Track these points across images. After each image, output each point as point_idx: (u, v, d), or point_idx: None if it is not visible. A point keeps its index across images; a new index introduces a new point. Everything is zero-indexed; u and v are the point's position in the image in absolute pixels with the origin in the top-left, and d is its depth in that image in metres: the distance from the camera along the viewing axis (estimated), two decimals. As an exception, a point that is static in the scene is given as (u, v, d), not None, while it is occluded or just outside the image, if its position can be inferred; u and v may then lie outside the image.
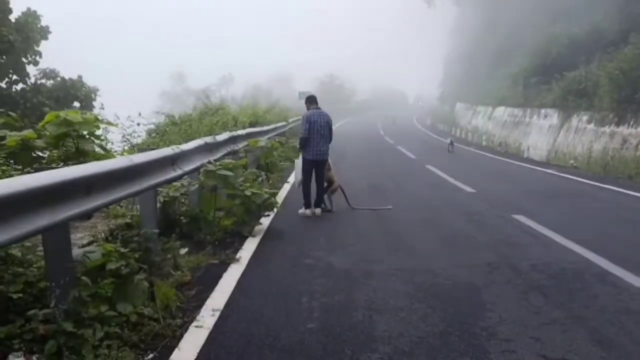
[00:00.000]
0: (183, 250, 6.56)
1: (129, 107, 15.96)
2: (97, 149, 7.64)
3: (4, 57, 17.80)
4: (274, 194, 7.90)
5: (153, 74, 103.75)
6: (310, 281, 5.33)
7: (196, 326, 4.17)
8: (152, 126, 16.39)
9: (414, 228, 7.98)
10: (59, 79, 19.21)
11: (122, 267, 4.09)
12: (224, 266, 5.81)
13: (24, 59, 18.24)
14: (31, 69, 20.27)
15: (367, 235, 7.37)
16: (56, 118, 7.14)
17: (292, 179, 13.21)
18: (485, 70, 43.88)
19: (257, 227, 7.37)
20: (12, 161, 7.30)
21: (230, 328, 4.15)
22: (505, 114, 32.24)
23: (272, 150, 10.96)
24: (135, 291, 4.11)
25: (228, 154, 9.24)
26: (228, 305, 4.64)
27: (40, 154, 7.38)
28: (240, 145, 10.39)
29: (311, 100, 9.05)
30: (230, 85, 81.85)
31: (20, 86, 18.51)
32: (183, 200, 7.78)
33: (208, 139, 7.53)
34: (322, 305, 4.66)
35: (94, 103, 22.70)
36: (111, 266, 4.04)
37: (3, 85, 18.35)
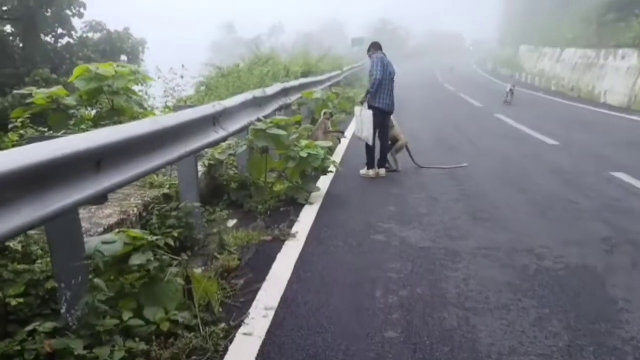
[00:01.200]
0: (231, 223, 5.71)
1: (179, 59, 15.17)
2: (136, 107, 6.82)
3: (49, 10, 17.17)
4: (332, 151, 6.85)
5: (204, 25, 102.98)
6: (383, 265, 4.34)
7: (245, 334, 3.27)
8: (202, 79, 15.57)
9: (498, 191, 6.82)
10: (105, 32, 18.50)
11: (151, 261, 3.20)
12: (277, 244, 4.89)
13: (68, 11, 17.58)
14: (78, 23, 19.73)
15: (444, 202, 6.29)
16: (86, 72, 6.29)
17: (350, 133, 12.16)
18: (551, 9, 40.64)
19: (314, 193, 6.41)
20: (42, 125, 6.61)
21: (287, 337, 3.23)
22: (576, 55, 29.63)
23: (328, 102, 9.85)
24: (168, 291, 3.23)
25: (280, 108, 8.23)
26: (284, 301, 3.72)
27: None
28: (293, 98, 9.34)
29: (376, 47, 7.87)
30: (280, 35, 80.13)
31: (66, 40, 17.95)
32: (231, 162, 6.89)
33: (257, 93, 6.52)
34: (402, 302, 3.68)
35: (142, 56, 22.12)
36: (136, 260, 3.16)
37: (49, 40, 17.83)
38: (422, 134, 11.92)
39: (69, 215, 2.83)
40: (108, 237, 3.21)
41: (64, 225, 2.88)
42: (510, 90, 19.34)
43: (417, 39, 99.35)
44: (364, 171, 7.76)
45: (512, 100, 19.05)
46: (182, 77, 9.88)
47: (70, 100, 6.27)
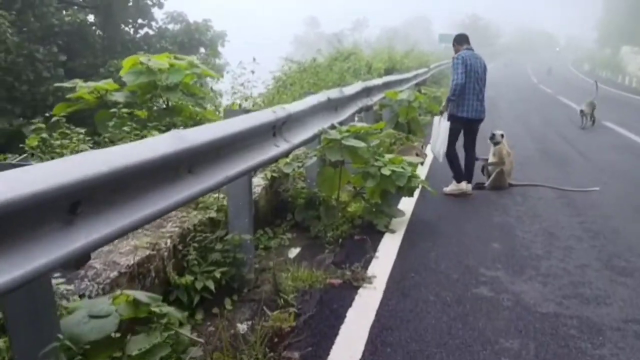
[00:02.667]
0: (293, 252, 4.65)
1: (260, 53, 14.36)
2: (193, 105, 5.91)
3: (133, 1, 16.88)
4: (418, 165, 5.62)
5: (287, 19, 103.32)
6: (493, 341, 3.11)
7: None
8: (278, 74, 14.68)
9: (637, 228, 5.35)
10: (184, 23, 18.06)
11: (159, 346, 2.17)
12: (348, 292, 3.77)
13: (148, 1, 17.23)
14: (159, 14, 19.45)
15: (563, 239, 4.92)
16: (136, 64, 5.44)
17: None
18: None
19: (395, 219, 5.24)
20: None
21: None
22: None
23: (414, 104, 8.60)
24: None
25: (359, 110, 7.09)
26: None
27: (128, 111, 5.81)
28: (376, 98, 8.15)
29: (462, 40, 6.49)
30: (364, 30, 78.75)
31: (145, 31, 17.63)
32: (299, 174, 5.83)
33: (332, 94, 5.39)
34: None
35: (221, 49, 21.62)
36: (136, 346, 2.13)
37: (129, 30, 17.58)
38: (522, 142, 10.39)
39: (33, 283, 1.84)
40: (100, 306, 2.20)
41: (26, 299, 1.90)
42: (582, 111, 12.95)
43: (507, 36, 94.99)
44: (449, 188, 6.50)
45: (589, 124, 12.93)
46: (252, 72, 8.92)
47: (119, 96, 5.43)
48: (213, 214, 4.01)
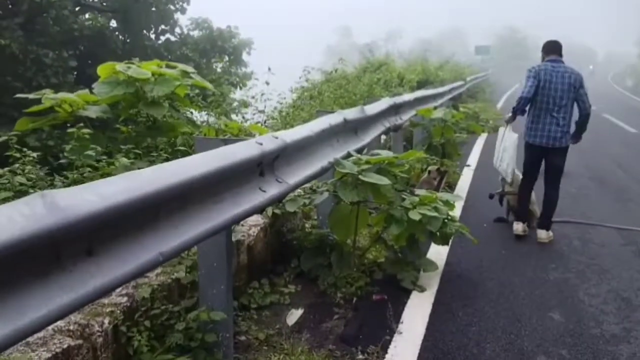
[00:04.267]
0: (293, 317, 3.65)
1: (291, 62, 13.49)
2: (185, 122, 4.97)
3: (153, 4, 16.18)
4: (454, 200, 4.52)
5: (322, 28, 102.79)
6: None
7: None
8: (305, 84, 13.69)
9: None
10: (205, 30, 17.32)
11: None
12: (358, 393, 2.75)
13: (171, 6, 16.51)
14: (183, 20, 18.79)
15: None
16: (113, 72, 4.53)
17: (473, 160, 9.70)
18: None
19: (426, 273, 4.18)
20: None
21: None
22: None
23: (451, 123, 7.51)
24: None
25: (387, 131, 6.05)
26: None
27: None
28: (406, 116, 7.10)
29: (547, 49, 5.37)
30: (397, 41, 77.56)
31: (167, 37, 16.93)
32: (308, 210, 4.83)
33: (350, 113, 4.34)
34: None
35: (248, 57, 20.87)
36: None
37: (151, 36, 16.90)
38: (571, 168, 9.18)
39: None
40: None
41: None
42: None
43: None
44: (515, 225, 5.41)
45: None
46: (267, 83, 7.98)
47: (92, 111, 4.51)
48: (181, 274, 3.02)
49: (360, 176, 3.65)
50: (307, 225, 4.78)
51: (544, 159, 5.36)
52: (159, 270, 3.00)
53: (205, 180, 2.20)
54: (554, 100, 5.12)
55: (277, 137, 2.78)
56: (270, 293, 3.87)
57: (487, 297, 3.94)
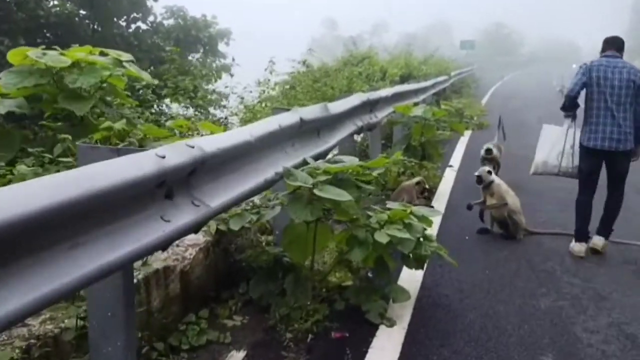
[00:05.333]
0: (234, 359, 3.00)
1: (274, 54, 12.77)
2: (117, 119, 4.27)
3: (125, -8, 15.33)
4: (431, 215, 3.86)
5: (307, 21, 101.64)
6: None
7: None
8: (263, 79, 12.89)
9: None
10: (180, 19, 16.47)
11: None
12: None
13: (143, -7, 15.68)
14: (158, 8, 17.95)
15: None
16: (24, 59, 3.82)
17: (455, 161, 9.08)
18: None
19: (396, 303, 3.54)
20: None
21: None
22: None
23: (432, 121, 6.87)
24: None
25: (359, 131, 5.40)
26: None
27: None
28: (382, 114, 6.45)
29: (605, 44, 4.80)
30: (383, 34, 76.89)
31: (138, 25, 16.06)
32: (261, 224, 4.17)
33: (308, 112, 3.65)
34: None
35: (228, 48, 20.09)
36: None
37: (122, 24, 16.02)
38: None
39: None
40: None
41: None
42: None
43: (531, 45, 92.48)
44: (572, 243, 4.86)
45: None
46: (231, 75, 7.28)
47: (6, 106, 3.80)
48: (69, 323, 2.34)
49: (315, 190, 2.99)
50: (263, 241, 4.12)
51: (604, 164, 4.80)
52: (40, 321, 2.32)
53: (64, 211, 1.54)
54: (612, 99, 4.56)
55: (192, 147, 2.11)
56: (208, 329, 3.22)
57: (468, 333, 3.31)
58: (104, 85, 4.15)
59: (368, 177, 3.53)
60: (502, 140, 7.44)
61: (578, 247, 4.76)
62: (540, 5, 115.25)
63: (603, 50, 4.84)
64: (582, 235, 4.82)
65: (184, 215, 2.02)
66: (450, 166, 8.60)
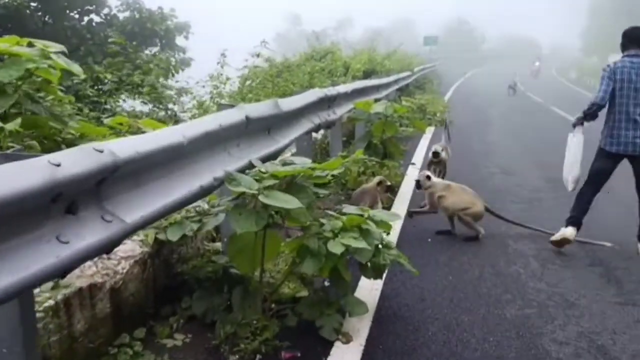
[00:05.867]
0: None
1: (238, 49, 12.34)
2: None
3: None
4: (391, 220, 3.59)
5: (269, 14, 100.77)
6: None
7: None
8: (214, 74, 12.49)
9: None
10: (135, 12, 15.86)
11: None
12: None
13: (95, -17, 15.03)
14: (113, 1, 17.28)
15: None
16: None
17: (419, 158, 8.91)
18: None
19: (352, 318, 3.26)
20: None
21: None
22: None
23: (393, 118, 6.63)
24: None
25: (316, 128, 5.10)
26: None
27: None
28: (341, 110, 6.17)
29: (629, 40, 4.64)
30: (348, 29, 76.73)
31: (90, 17, 15.40)
32: (210, 231, 3.85)
33: (256, 110, 3.28)
34: None
35: (188, 43, 19.55)
36: None
37: (74, 16, 15.33)
38: (523, 167, 8.56)
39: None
40: None
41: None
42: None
43: (491, 41, 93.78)
44: (562, 232, 4.74)
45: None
46: (182, 69, 6.89)
47: None
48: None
49: (260, 197, 2.68)
50: (210, 249, 3.80)
51: (631, 168, 4.75)
52: None
53: None
54: (636, 102, 4.51)
55: (101, 151, 1.78)
56: (144, 351, 2.89)
57: (430, 348, 3.06)
58: (34, 79, 3.76)
59: (322, 179, 3.24)
60: (448, 142, 7.21)
61: (570, 231, 4.69)
62: (501, 3, 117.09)
63: (624, 47, 4.68)
64: (576, 221, 4.75)
65: (89, 233, 1.69)
66: (413, 164, 8.40)
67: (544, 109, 19.60)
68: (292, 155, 5.11)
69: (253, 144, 3.29)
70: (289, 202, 2.72)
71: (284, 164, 3.22)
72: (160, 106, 10.65)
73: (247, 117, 3.10)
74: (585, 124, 4.91)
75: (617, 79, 4.53)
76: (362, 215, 3.28)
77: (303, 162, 3.21)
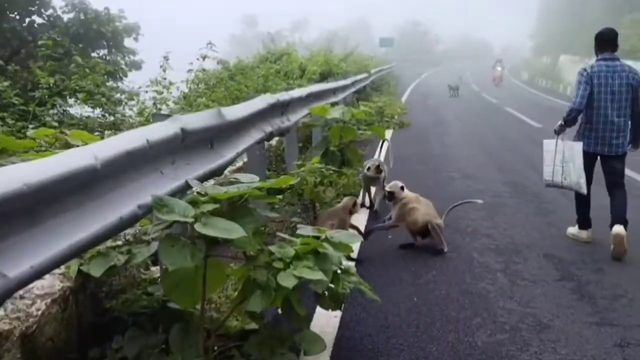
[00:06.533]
0: None
1: (191, 51, 11.81)
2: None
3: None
4: (351, 241, 3.23)
5: (226, 16, 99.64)
6: None
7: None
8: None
9: None
10: (80, 14, 15.08)
11: None
12: None
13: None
14: (58, 1, 16.42)
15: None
16: None
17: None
18: (601, 17, 36.62)
19: (306, 354, 2.89)
20: None
21: None
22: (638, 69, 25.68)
23: (351, 123, 6.28)
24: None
25: (269, 137, 4.71)
26: None
27: None
28: (295, 117, 5.80)
29: (603, 42, 4.74)
30: (304, 31, 76.43)
31: (34, 19, 14.54)
32: (145, 260, 3.39)
33: (195, 122, 2.82)
34: None
35: (139, 45, 18.83)
36: None
37: (16, 17, 14.44)
38: (483, 171, 8.37)
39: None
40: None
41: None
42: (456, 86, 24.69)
43: (446, 43, 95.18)
44: (573, 230, 5.10)
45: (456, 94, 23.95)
46: (124, 76, 6.37)
47: None
48: None
49: (197, 225, 2.28)
50: (148, 277, 3.36)
51: (601, 167, 4.92)
52: None
53: None
54: (612, 104, 4.65)
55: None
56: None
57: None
58: None
59: (271, 199, 2.86)
60: (388, 163, 6.63)
61: (585, 234, 4.97)
62: (454, 5, 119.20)
63: (599, 50, 4.77)
64: (586, 220, 4.98)
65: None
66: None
67: (499, 110, 19.70)
68: (245, 164, 4.68)
69: (192, 160, 2.88)
70: (231, 230, 2.33)
71: (229, 182, 2.83)
72: (110, 112, 10.04)
73: (182, 130, 2.69)
74: (567, 130, 4.98)
75: (594, 83, 4.63)
76: (318, 238, 2.92)
77: (250, 180, 2.82)
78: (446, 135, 12.79)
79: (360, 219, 5.34)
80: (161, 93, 7.56)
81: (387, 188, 4.84)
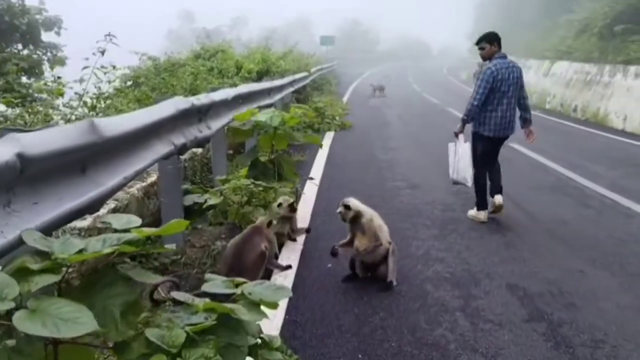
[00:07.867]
0: None
1: (129, 46, 10.65)
2: None
3: None
4: (277, 298, 2.45)
5: (164, 11, 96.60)
6: None
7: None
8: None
9: None
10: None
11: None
12: None
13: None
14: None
15: None
16: None
17: (318, 171, 7.93)
18: (535, 18, 37.40)
19: None
20: None
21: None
22: (570, 70, 25.95)
23: (283, 129, 5.43)
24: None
25: (180, 151, 3.84)
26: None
27: None
28: (218, 123, 4.93)
29: (498, 42, 5.59)
30: (243, 28, 74.92)
31: None
32: None
33: (39, 141, 2.00)
34: None
35: (65, 39, 17.36)
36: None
37: None
38: (429, 179, 7.78)
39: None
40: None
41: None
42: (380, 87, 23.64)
43: (386, 43, 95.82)
44: (473, 212, 5.75)
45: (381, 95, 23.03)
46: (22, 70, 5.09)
47: None
48: None
49: (16, 320, 1.42)
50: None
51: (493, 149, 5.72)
52: None
53: None
54: (508, 94, 5.47)
55: None
56: None
57: None
58: None
59: (157, 248, 2.03)
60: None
61: (483, 215, 5.63)
62: (393, 5, 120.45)
63: (495, 48, 5.55)
64: (484, 204, 5.66)
65: None
66: (311, 178, 7.37)
67: (440, 111, 19.41)
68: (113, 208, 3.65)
69: (44, 197, 2.01)
70: (79, 317, 1.49)
71: (99, 231, 1.97)
72: (30, 109, 8.79)
73: (20, 156, 1.83)
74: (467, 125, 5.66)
75: (498, 79, 5.40)
76: (231, 295, 2.12)
77: (126, 224, 1.97)
78: (389, 137, 12.23)
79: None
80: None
81: (339, 208, 4.05)
